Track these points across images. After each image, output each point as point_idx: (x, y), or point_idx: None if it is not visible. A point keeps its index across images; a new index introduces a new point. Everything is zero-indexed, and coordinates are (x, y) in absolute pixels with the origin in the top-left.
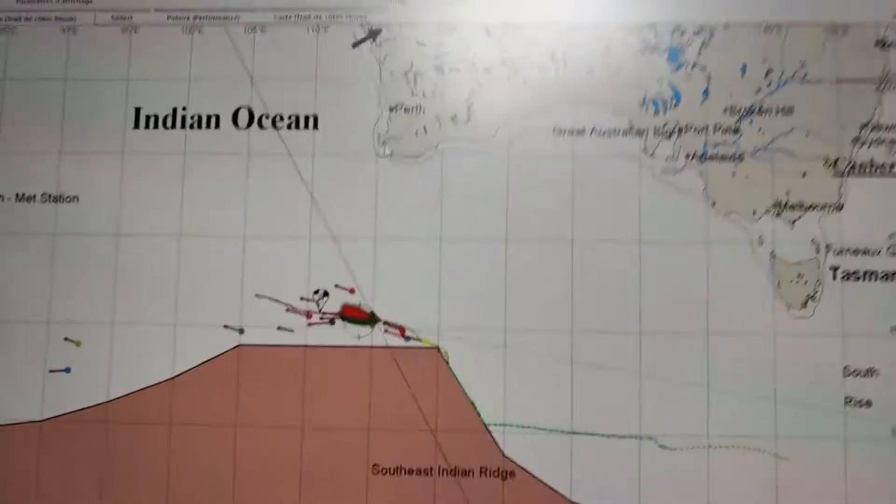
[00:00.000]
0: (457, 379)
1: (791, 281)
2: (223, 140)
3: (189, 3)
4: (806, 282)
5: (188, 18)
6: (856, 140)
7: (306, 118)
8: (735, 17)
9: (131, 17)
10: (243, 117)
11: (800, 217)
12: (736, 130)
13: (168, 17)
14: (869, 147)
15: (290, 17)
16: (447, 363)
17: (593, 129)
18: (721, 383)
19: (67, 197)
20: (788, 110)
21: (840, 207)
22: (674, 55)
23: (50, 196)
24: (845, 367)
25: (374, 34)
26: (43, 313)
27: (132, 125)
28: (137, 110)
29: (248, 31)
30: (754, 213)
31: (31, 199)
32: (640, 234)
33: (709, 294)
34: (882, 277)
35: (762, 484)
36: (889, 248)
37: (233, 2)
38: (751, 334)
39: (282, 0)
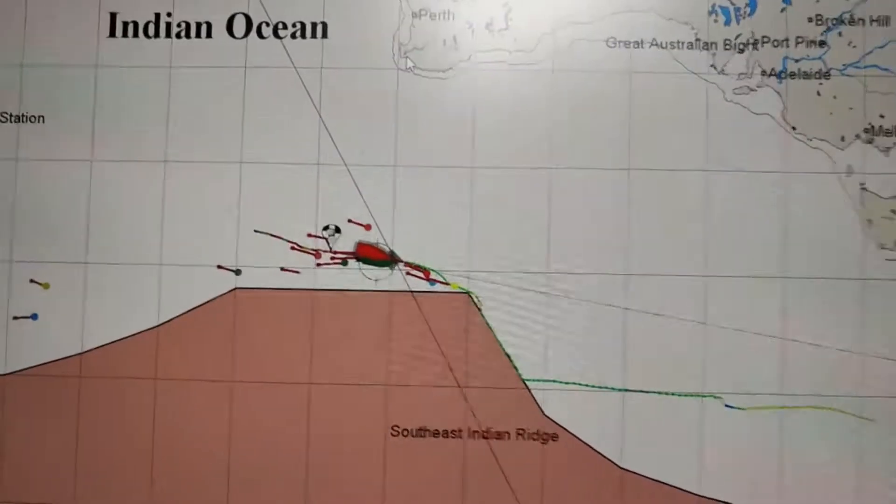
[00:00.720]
0: (490, 328)
1: (884, 218)
2: (216, 51)
3: None
4: None
5: None
6: None
7: (313, 25)
8: None
9: None
10: (239, 25)
11: (895, 145)
12: (822, 43)
13: None
14: None
15: None
16: (479, 310)
17: (653, 40)
18: (799, 334)
19: (32, 117)
20: (885, 20)
21: None
22: None
23: (11, 116)
24: None
25: None
26: (4, 252)
27: (107, 33)
28: (113, 16)
29: None
30: (842, 139)
31: None
32: (706, 162)
33: (787, 233)
34: None
35: (844, 449)
36: None
37: None
38: (836, 278)
39: None
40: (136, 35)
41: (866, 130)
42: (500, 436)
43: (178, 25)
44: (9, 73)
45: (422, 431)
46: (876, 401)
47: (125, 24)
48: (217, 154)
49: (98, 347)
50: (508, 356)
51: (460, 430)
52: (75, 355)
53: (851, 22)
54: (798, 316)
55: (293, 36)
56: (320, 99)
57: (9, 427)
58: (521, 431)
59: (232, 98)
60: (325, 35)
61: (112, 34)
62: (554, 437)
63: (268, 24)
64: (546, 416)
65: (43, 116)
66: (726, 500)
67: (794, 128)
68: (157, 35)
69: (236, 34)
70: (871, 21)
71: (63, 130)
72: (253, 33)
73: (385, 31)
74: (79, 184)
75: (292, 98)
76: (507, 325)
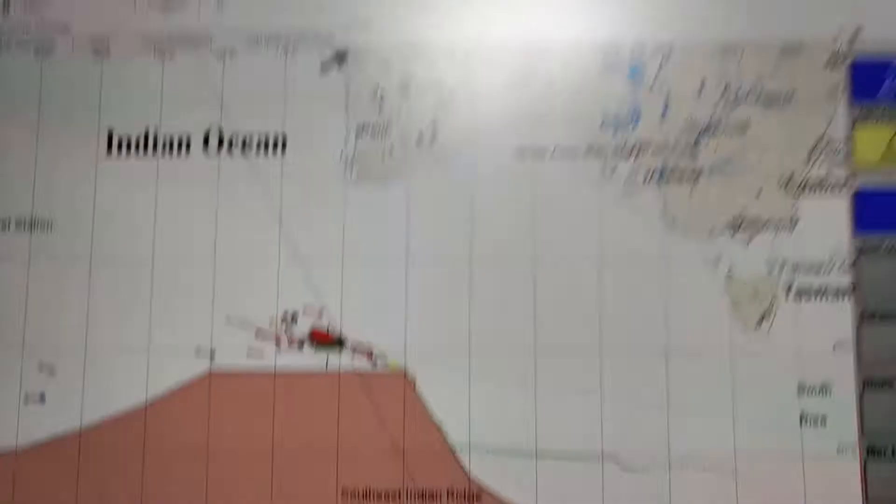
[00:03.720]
0: (423, 401)
1: (747, 300)
2: (194, 166)
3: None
4: (761, 301)
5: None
6: (809, 157)
7: (275, 141)
8: (692, 38)
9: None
10: (213, 139)
11: (755, 235)
12: (694, 148)
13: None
14: (821, 164)
15: (260, 39)
16: (414, 386)
17: (555, 148)
18: (681, 403)
19: (41, 222)
20: (744, 128)
21: (794, 225)
22: (634, 72)
23: (24, 222)
24: (800, 385)
25: (340, 57)
26: (18, 340)
27: (105, 151)
28: (110, 134)
29: (219, 58)
30: (711, 232)
31: (5, 224)
32: (601, 253)
33: (668, 315)
34: (833, 294)
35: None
36: (840, 264)
37: (203, 28)
38: (709, 355)
39: (252, 22)
40: (129, 151)
41: (731, 224)
42: (433, 496)
43: (163, 142)
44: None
45: (368, 493)
46: (749, 460)
47: (119, 141)
48: (194, 253)
49: (95, 425)
50: (438, 425)
51: (400, 491)
52: (75, 432)
53: (717, 128)
54: (679, 386)
55: (258, 148)
56: (281, 203)
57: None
58: (451, 491)
59: (207, 204)
60: (284, 148)
61: (109, 151)
62: (478, 496)
63: (236, 139)
64: (471, 478)
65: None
66: None
67: (672, 222)
68: (146, 150)
69: (210, 148)
70: (733, 129)
71: (66, 235)
72: (224, 150)
73: (335, 145)
74: (78, 281)
75: (257, 202)
76: (438, 397)
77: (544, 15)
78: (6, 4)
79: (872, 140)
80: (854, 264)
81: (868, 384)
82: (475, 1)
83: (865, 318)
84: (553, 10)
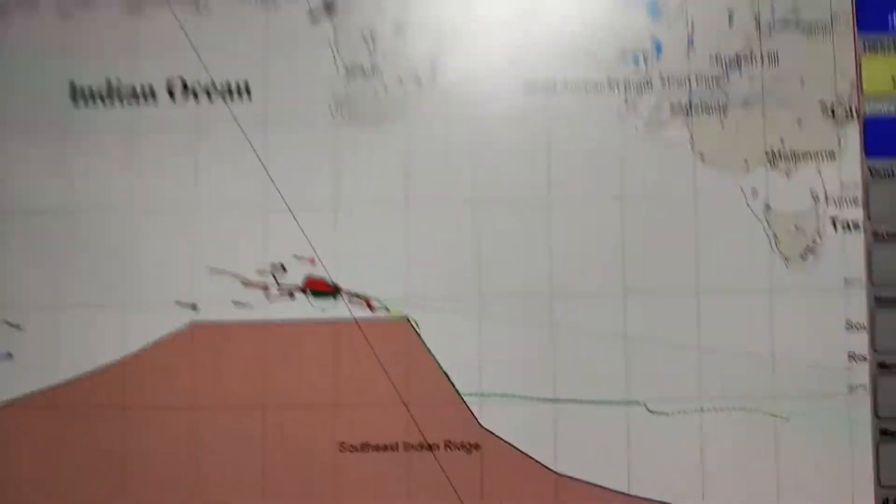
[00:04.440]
0: (428, 349)
1: (788, 233)
2: (167, 111)
3: None
4: (805, 233)
5: None
6: (853, 84)
7: (249, 85)
8: None
9: None
10: (180, 86)
11: (795, 167)
12: (723, 79)
13: None
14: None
15: None
16: (418, 334)
17: (569, 83)
18: (714, 343)
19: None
20: (774, 56)
21: (840, 155)
22: (653, 5)
23: None
24: (847, 321)
25: (328, 5)
26: None
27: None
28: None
29: (193, 14)
30: (746, 164)
31: None
32: (622, 190)
33: (699, 251)
34: None
35: (761, 447)
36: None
37: None
38: (746, 291)
39: None
40: (94, 101)
41: (768, 155)
42: (441, 446)
43: (127, 89)
44: None
45: (367, 446)
46: (787, 401)
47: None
48: (173, 203)
49: (70, 380)
50: (445, 373)
51: (404, 443)
52: (49, 388)
53: (747, 59)
54: (712, 325)
55: (237, 93)
56: (266, 149)
57: None
58: (460, 442)
59: (185, 151)
60: (265, 93)
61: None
62: (490, 445)
63: (214, 87)
64: (482, 426)
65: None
66: (654, 498)
67: (702, 156)
68: (111, 99)
69: (177, 95)
70: (763, 58)
71: (35, 187)
72: (202, 94)
73: (322, 87)
74: (55, 234)
75: (239, 149)
76: (444, 344)
77: None
78: None
79: (880, 70)
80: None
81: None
82: None
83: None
84: None
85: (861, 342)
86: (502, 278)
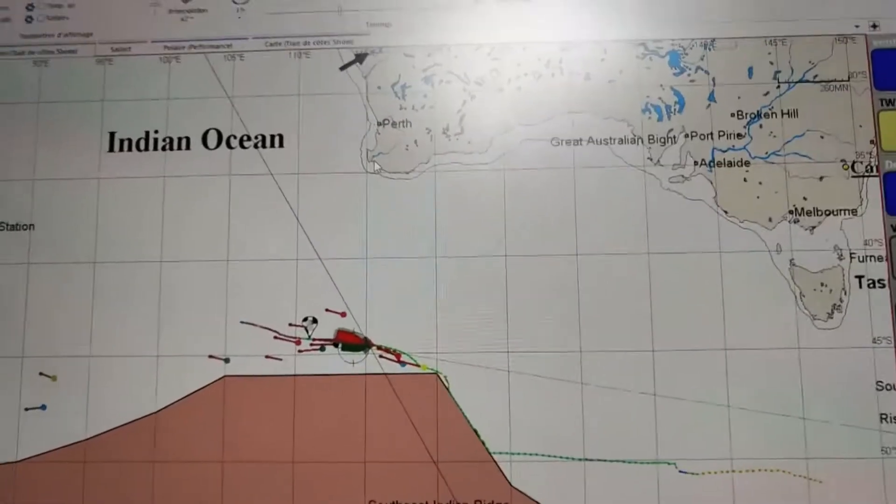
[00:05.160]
0: (458, 406)
1: (814, 290)
2: (202, 161)
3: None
4: (830, 291)
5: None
6: (874, 140)
7: (283, 136)
8: (739, 33)
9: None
10: (215, 138)
11: (819, 223)
12: (744, 135)
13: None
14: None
15: (279, 43)
16: (447, 389)
17: (593, 137)
18: (743, 402)
19: (42, 223)
20: (794, 113)
21: (863, 211)
22: (675, 60)
23: (25, 225)
24: (878, 382)
25: (360, 58)
26: (16, 348)
27: (107, 148)
28: (112, 134)
29: (228, 59)
30: (770, 220)
31: (2, 226)
32: (648, 245)
33: (725, 307)
34: None
35: None
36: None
37: (212, 32)
38: (773, 349)
39: (266, 29)
40: (130, 149)
41: (791, 212)
42: None
43: (164, 140)
44: (22, 186)
45: None
46: (821, 462)
47: (121, 141)
48: (206, 253)
49: (101, 434)
50: (475, 431)
51: (427, 503)
52: (80, 442)
53: (768, 115)
54: (741, 383)
55: (269, 145)
56: (298, 200)
57: None
58: (491, 503)
59: (218, 202)
60: (298, 145)
61: (111, 149)
62: None
63: (248, 138)
64: (513, 486)
65: (50, 224)
66: None
67: (725, 211)
68: (146, 148)
69: (211, 145)
70: (788, 113)
71: (68, 237)
72: (237, 145)
73: (354, 139)
74: (82, 286)
75: (271, 200)
76: (473, 401)
77: (573, 14)
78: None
79: None
80: (888, 246)
81: None
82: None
83: None
84: (585, 9)
85: (893, 402)
86: (532, 334)
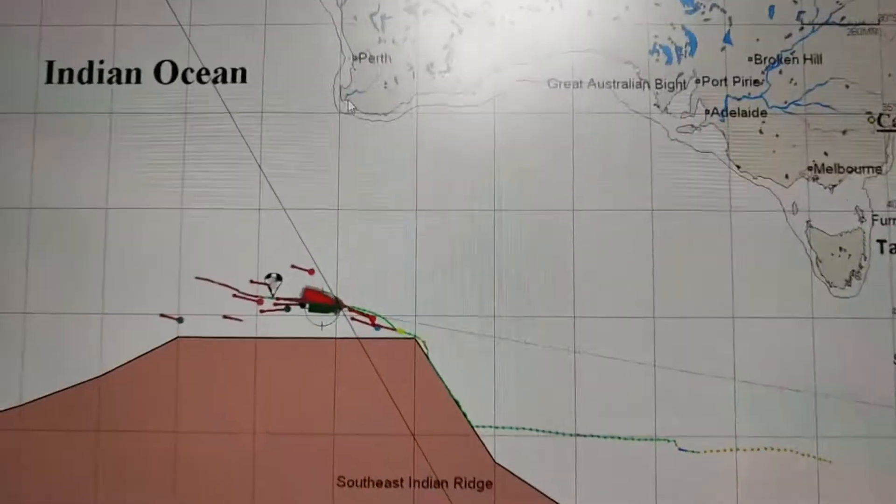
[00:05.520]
0: (437, 374)
1: (832, 255)
2: (154, 97)
3: None
4: (849, 256)
5: None
6: None
7: (245, 70)
8: None
9: None
10: (169, 71)
11: (840, 181)
12: (762, 82)
13: None
14: None
15: None
16: (426, 355)
17: (595, 80)
18: (749, 375)
19: None
20: (818, 58)
21: (886, 169)
22: None
23: None
24: None
25: None
26: None
27: (44, 80)
28: (50, 64)
29: None
30: (787, 176)
31: None
32: (652, 201)
33: (734, 271)
34: None
35: (802, 491)
36: None
37: None
38: (784, 318)
39: None
40: (70, 81)
41: (810, 168)
42: (451, 484)
43: (110, 72)
44: None
45: (368, 482)
46: (831, 441)
47: (61, 71)
48: (157, 201)
49: (38, 399)
50: (457, 402)
51: (410, 479)
52: (14, 408)
53: (789, 60)
54: (748, 355)
55: (229, 79)
56: (260, 143)
57: None
58: (472, 480)
59: (170, 144)
60: (244, 80)
61: (49, 80)
62: (505, 483)
63: (206, 72)
64: (497, 463)
65: None
66: None
67: (738, 166)
68: (90, 80)
69: (164, 80)
70: (806, 59)
71: (0, 178)
72: (193, 79)
73: (326, 75)
74: (17, 234)
75: (230, 142)
76: (455, 370)
77: None
78: None
79: None
80: None
81: None
82: None
83: None
84: None
85: None
86: (521, 297)
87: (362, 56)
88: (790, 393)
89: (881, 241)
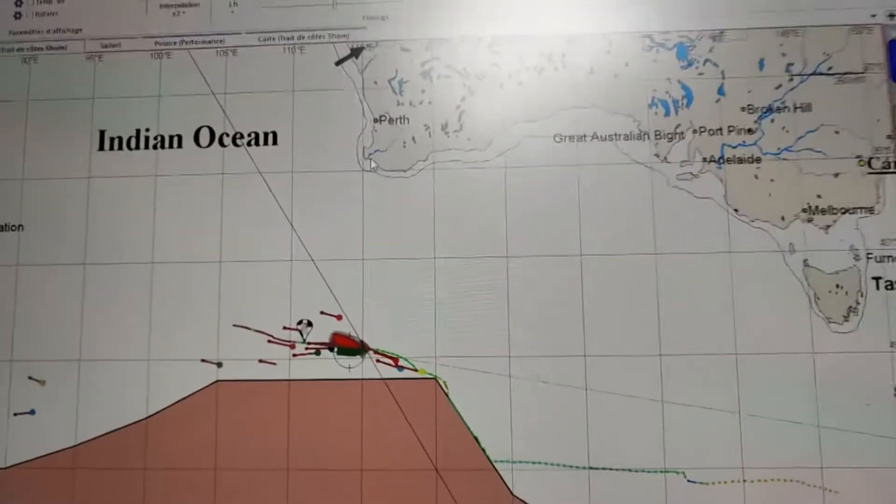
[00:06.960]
0: (457, 412)
1: (829, 292)
2: (194, 160)
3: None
4: (846, 292)
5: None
6: (892, 135)
7: (276, 134)
8: (749, 23)
9: (119, 45)
10: (207, 136)
11: (834, 221)
12: (755, 130)
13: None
14: None
15: (273, 37)
16: (446, 394)
17: (598, 133)
18: (754, 409)
19: (32, 225)
20: (807, 107)
21: (880, 208)
22: (682, 52)
23: (14, 226)
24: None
25: (356, 52)
26: (5, 351)
27: (97, 147)
28: (102, 133)
29: (220, 54)
30: (783, 218)
31: None
32: (655, 246)
33: (735, 310)
34: None
35: None
36: None
37: (204, 27)
38: (786, 353)
39: (260, 23)
40: (120, 148)
41: (805, 210)
42: None
43: (155, 139)
44: (10, 185)
45: None
46: (836, 471)
47: (111, 139)
48: (198, 255)
49: (91, 440)
50: (476, 438)
51: None
52: (69, 448)
53: (780, 109)
54: (752, 389)
55: (260, 143)
56: (291, 200)
57: None
58: None
59: (209, 203)
60: (275, 142)
61: (101, 148)
62: None
63: (240, 136)
64: (515, 496)
65: (41, 225)
66: None
67: (736, 210)
68: (137, 147)
69: (202, 144)
70: (797, 108)
71: (59, 237)
72: (229, 143)
73: (349, 136)
74: (74, 285)
75: (263, 200)
76: (473, 407)
77: (577, 5)
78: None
79: None
80: None
81: None
82: None
83: None
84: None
85: None
86: (534, 338)
87: (383, 118)
88: (794, 425)
89: (877, 279)
